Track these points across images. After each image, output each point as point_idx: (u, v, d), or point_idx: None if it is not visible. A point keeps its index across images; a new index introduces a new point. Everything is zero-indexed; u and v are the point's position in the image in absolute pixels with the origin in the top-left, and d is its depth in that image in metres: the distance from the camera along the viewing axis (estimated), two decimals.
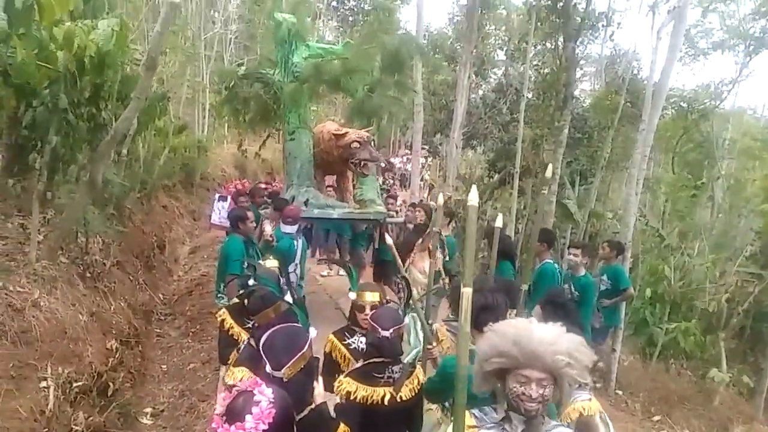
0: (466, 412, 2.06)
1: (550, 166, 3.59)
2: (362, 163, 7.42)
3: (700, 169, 13.72)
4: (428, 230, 5.25)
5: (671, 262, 8.69)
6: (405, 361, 3.12)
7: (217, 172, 16.65)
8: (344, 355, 3.47)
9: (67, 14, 4.68)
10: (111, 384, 5.34)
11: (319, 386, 2.54)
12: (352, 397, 2.82)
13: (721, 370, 7.81)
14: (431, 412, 3.28)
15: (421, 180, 17.32)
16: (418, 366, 3.13)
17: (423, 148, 15.28)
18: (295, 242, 6.05)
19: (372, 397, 2.84)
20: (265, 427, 1.87)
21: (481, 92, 17.56)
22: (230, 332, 3.93)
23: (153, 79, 6.70)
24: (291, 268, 5.85)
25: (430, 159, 19.62)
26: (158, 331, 8.00)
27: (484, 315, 2.75)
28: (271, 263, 4.20)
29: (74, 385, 4.57)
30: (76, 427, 4.35)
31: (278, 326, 2.47)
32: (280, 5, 7.84)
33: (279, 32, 7.45)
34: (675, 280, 8.52)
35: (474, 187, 2.14)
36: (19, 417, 3.79)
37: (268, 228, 6.13)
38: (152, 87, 7.97)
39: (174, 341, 7.71)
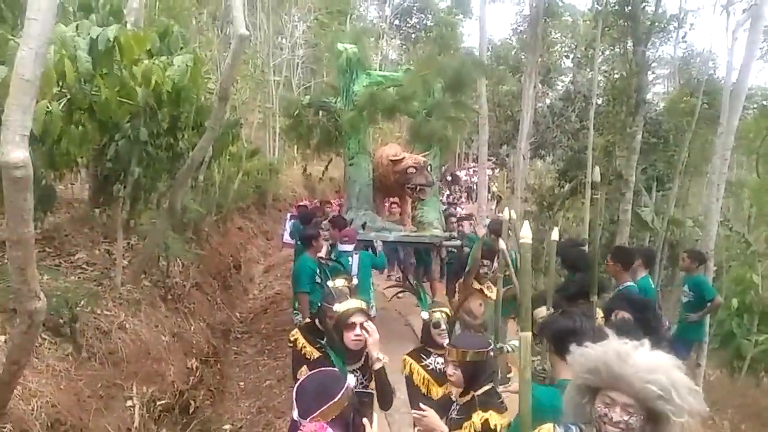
0: (551, 426, 2.04)
1: (596, 170, 3.45)
2: (418, 188, 7.52)
3: None
4: (474, 264, 4.83)
5: (759, 269, 8.19)
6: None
7: (288, 192, 17.14)
8: (423, 377, 3.42)
9: (145, 52, 4.99)
10: (192, 402, 5.56)
11: (371, 426, 2.29)
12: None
13: None
14: None
15: (489, 192, 17.16)
16: (479, 413, 2.76)
17: (489, 160, 15.13)
18: (350, 258, 6.13)
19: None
20: None
21: (548, 101, 17.28)
22: (302, 351, 3.99)
23: (226, 107, 7.02)
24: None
25: (497, 171, 19.40)
26: (235, 349, 8.26)
27: (570, 340, 2.42)
28: (340, 282, 4.26)
29: (158, 403, 4.80)
30: None
31: (316, 371, 2.28)
32: (343, 35, 8.11)
33: (340, 62, 7.70)
34: (764, 288, 8.02)
35: (527, 223, 2.08)
36: None
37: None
38: (225, 115, 8.33)
39: (251, 359, 7.94)
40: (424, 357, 3.54)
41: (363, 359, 3.30)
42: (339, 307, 3.33)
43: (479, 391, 2.82)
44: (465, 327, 5.13)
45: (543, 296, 3.44)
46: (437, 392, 3.40)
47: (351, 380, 2.22)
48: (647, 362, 1.81)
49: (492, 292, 5.04)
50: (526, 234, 2.01)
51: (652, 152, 13.49)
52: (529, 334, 1.93)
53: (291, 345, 4.16)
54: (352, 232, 6.48)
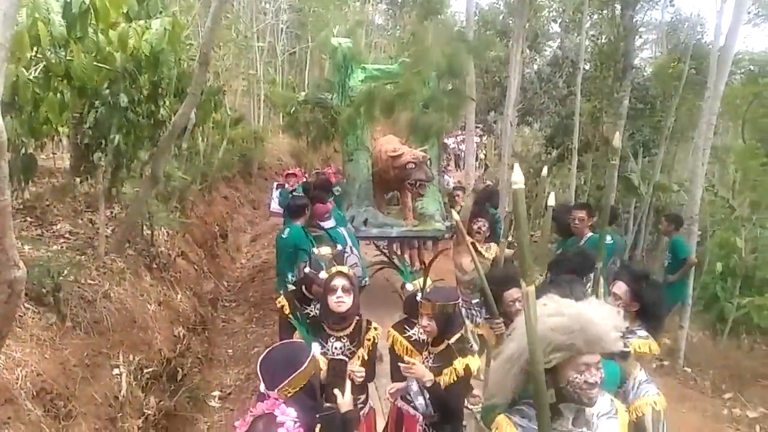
0: (507, 421, 1.95)
1: (617, 135, 3.43)
2: (418, 183, 7.51)
3: None
4: (464, 217, 5.01)
5: (743, 233, 8.26)
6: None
7: (274, 161, 16.98)
8: (406, 347, 3.47)
9: (122, 16, 4.85)
10: (180, 369, 5.58)
11: (343, 396, 2.30)
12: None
13: None
14: None
15: (477, 159, 17.10)
16: (459, 359, 2.96)
17: (477, 127, 15.03)
18: (341, 230, 6.07)
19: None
20: None
21: (535, 66, 17.09)
22: (289, 319, 4.01)
23: (207, 73, 6.88)
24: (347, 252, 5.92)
25: (484, 138, 19.31)
26: (223, 317, 8.29)
27: None
28: (325, 250, 4.25)
29: (145, 371, 4.81)
30: (148, 411, 4.59)
31: (279, 343, 2.27)
32: (338, 29, 8.06)
33: (335, 57, 7.62)
34: (747, 252, 8.10)
35: (517, 166, 1.94)
36: (95, 402, 4.02)
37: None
38: (207, 81, 8.19)
39: (239, 327, 7.97)
40: (408, 328, 3.58)
41: (352, 326, 3.34)
42: (324, 274, 3.49)
43: (452, 340, 3.05)
44: (456, 282, 5.27)
45: (514, 277, 3.41)
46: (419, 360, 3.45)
47: (316, 349, 2.20)
48: (603, 316, 1.86)
49: (488, 252, 5.13)
50: (518, 178, 1.86)
51: (639, 118, 13.44)
52: (533, 287, 1.82)
53: (279, 313, 4.20)
54: (327, 207, 6.27)
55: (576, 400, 1.88)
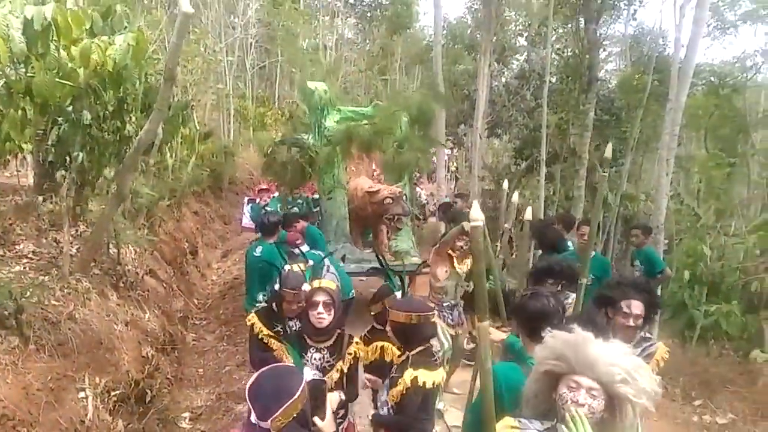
0: (512, 419, 2.02)
1: (609, 146, 3.47)
2: (396, 217, 7.70)
3: (734, 144, 13.31)
4: (452, 236, 5.31)
5: (708, 241, 8.46)
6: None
7: (244, 175, 16.86)
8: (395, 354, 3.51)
9: (86, 32, 4.78)
10: (149, 391, 5.44)
11: (323, 419, 2.20)
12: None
13: (764, 351, 7.58)
14: None
15: (448, 172, 17.23)
16: (410, 371, 2.95)
17: (447, 140, 15.18)
18: (316, 252, 6.01)
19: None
20: None
21: (503, 79, 17.36)
22: (260, 336, 3.96)
23: (175, 88, 6.83)
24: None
25: (455, 150, 19.48)
26: (193, 335, 8.14)
27: (541, 322, 2.62)
28: (297, 268, 4.22)
29: (112, 393, 4.67)
30: None
31: (267, 368, 2.11)
32: (314, 73, 8.44)
33: (312, 100, 7.84)
34: (713, 260, 8.28)
35: (476, 203, 1.90)
36: (60, 428, 3.90)
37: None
38: (175, 96, 8.12)
39: (209, 345, 7.84)
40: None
41: (333, 339, 3.38)
42: (306, 287, 3.53)
43: (413, 352, 3.05)
44: (430, 287, 5.50)
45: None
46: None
47: (307, 374, 2.11)
48: (610, 348, 1.91)
49: (462, 265, 5.32)
50: (476, 216, 1.81)
51: (605, 129, 13.74)
52: (487, 323, 1.87)
53: (249, 331, 4.12)
54: (297, 234, 6.27)
55: (563, 417, 1.90)
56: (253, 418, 1.84)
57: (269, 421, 1.81)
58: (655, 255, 7.04)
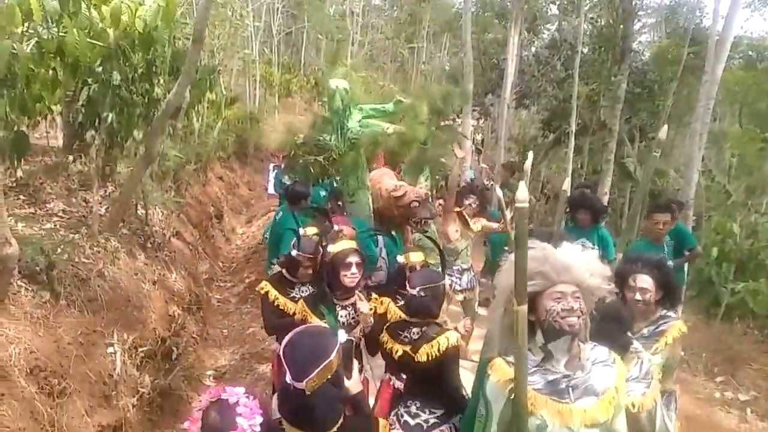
0: (503, 363, 2.03)
1: (665, 127, 3.41)
2: (423, 221, 7.63)
3: None
4: (451, 187, 5.52)
5: (738, 219, 8.30)
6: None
7: (269, 142, 16.86)
8: (398, 316, 3.50)
9: None
10: (174, 348, 5.58)
11: (353, 374, 2.24)
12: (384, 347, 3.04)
13: None
14: None
15: (473, 143, 17.05)
16: (444, 335, 2.92)
17: (474, 110, 14.96)
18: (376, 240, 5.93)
19: (393, 351, 2.99)
20: (261, 419, 1.61)
21: (533, 49, 17.00)
22: (275, 303, 3.97)
23: (202, 53, 6.82)
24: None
25: (481, 121, 19.24)
26: (218, 297, 8.30)
27: None
28: (311, 231, 4.21)
29: (139, 350, 4.80)
30: (143, 389, 4.59)
31: (302, 327, 2.10)
32: (335, 71, 8.31)
33: (333, 100, 7.73)
34: (742, 237, 8.13)
35: (522, 184, 1.84)
36: (89, 380, 4.02)
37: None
38: (202, 60, 8.11)
39: (234, 307, 7.99)
40: (399, 299, 3.63)
41: (355, 296, 3.46)
42: (333, 248, 3.52)
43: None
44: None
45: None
46: None
47: (342, 337, 2.05)
48: (570, 250, 2.05)
49: (474, 225, 5.32)
50: (522, 197, 1.77)
51: (637, 102, 13.43)
52: (525, 307, 1.85)
53: (261, 299, 4.12)
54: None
55: (557, 332, 1.96)
56: (288, 378, 1.81)
57: (305, 382, 1.79)
58: (686, 231, 6.91)
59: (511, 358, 1.99)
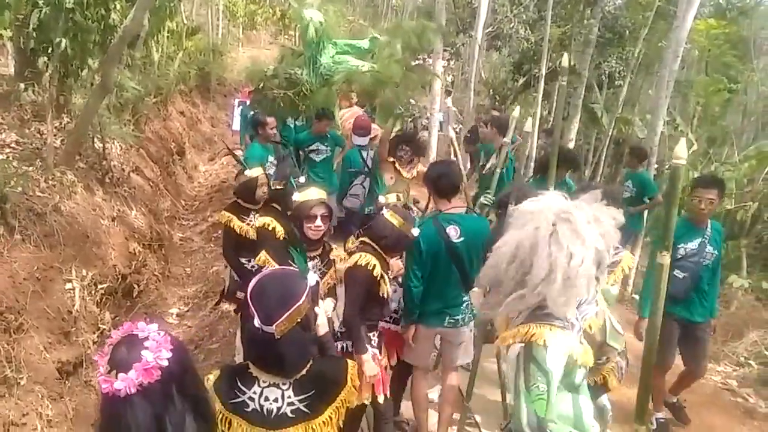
0: (554, 330, 1.86)
1: (565, 55, 3.37)
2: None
3: (735, 71, 13.06)
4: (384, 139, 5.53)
5: (699, 168, 8.47)
6: None
7: (233, 76, 16.32)
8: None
9: None
10: (136, 286, 5.51)
11: (320, 317, 2.20)
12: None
13: (741, 276, 7.77)
14: None
15: (443, 85, 16.82)
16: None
17: (445, 50, 14.67)
18: (365, 153, 5.89)
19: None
20: (169, 354, 1.52)
21: None
22: (239, 231, 4.03)
23: None
24: (358, 180, 5.82)
25: (452, 62, 18.93)
26: (181, 235, 8.16)
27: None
28: (254, 171, 4.15)
29: (99, 287, 4.71)
30: (103, 326, 4.53)
31: (270, 270, 2.02)
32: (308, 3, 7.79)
33: (307, 32, 7.32)
34: None
35: (683, 140, 1.84)
36: (47, 316, 3.93)
37: None
38: None
39: (197, 245, 7.88)
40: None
41: (322, 247, 3.39)
42: (299, 197, 3.34)
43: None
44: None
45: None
46: None
47: (311, 279, 2.01)
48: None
49: (407, 173, 5.31)
50: (681, 153, 1.78)
51: (607, 47, 13.34)
52: (668, 257, 1.90)
53: (224, 226, 4.13)
54: (367, 123, 6.13)
55: None
56: (257, 322, 1.78)
57: (274, 326, 1.76)
58: (648, 179, 7.04)
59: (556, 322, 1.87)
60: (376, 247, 3.13)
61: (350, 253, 3.44)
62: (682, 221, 4.08)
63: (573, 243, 1.79)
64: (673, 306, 3.79)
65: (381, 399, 3.11)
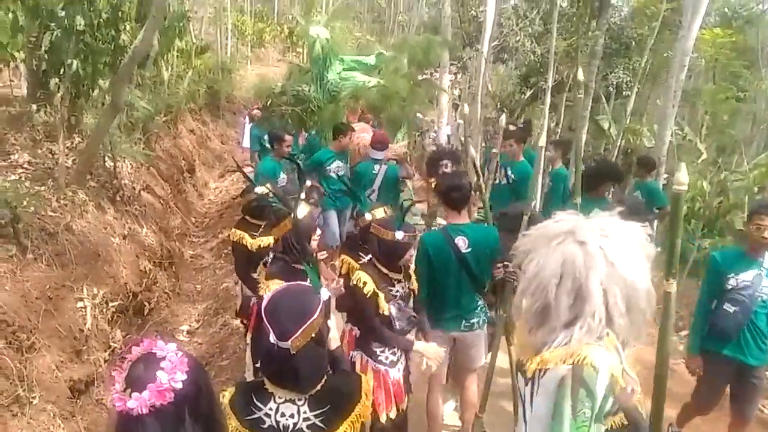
0: (599, 350, 1.68)
1: (580, 70, 3.38)
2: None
3: (743, 79, 13.03)
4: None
5: (708, 177, 8.42)
6: None
7: (242, 94, 16.47)
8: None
9: None
10: (147, 303, 5.54)
11: (332, 330, 2.18)
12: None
13: None
14: None
15: (451, 98, 16.90)
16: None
17: (452, 64, 14.76)
18: (377, 167, 5.95)
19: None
20: (184, 377, 1.51)
21: (512, 1, 16.74)
22: (248, 246, 4.04)
23: None
24: (367, 192, 5.84)
25: (459, 75, 19.01)
26: (191, 252, 8.20)
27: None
28: (260, 190, 4.17)
29: (110, 305, 4.74)
30: (114, 344, 4.55)
31: (284, 286, 2.05)
32: (316, 21, 7.92)
33: (314, 49, 7.45)
34: (712, 196, 8.27)
35: (683, 165, 1.77)
36: (59, 335, 3.96)
37: None
38: (171, 7, 7.81)
39: (207, 262, 7.91)
40: (363, 255, 3.62)
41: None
42: (302, 215, 3.30)
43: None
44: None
45: None
46: None
47: (324, 294, 2.02)
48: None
49: None
50: (683, 180, 1.68)
51: (613, 59, 13.39)
52: (674, 285, 1.87)
53: (233, 244, 4.15)
54: (385, 137, 6.23)
55: None
56: (272, 338, 1.79)
57: (289, 341, 1.77)
58: (657, 189, 7.01)
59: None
60: (376, 263, 3.17)
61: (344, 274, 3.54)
62: (736, 249, 3.83)
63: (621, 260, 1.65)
64: (724, 344, 3.52)
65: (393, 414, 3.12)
